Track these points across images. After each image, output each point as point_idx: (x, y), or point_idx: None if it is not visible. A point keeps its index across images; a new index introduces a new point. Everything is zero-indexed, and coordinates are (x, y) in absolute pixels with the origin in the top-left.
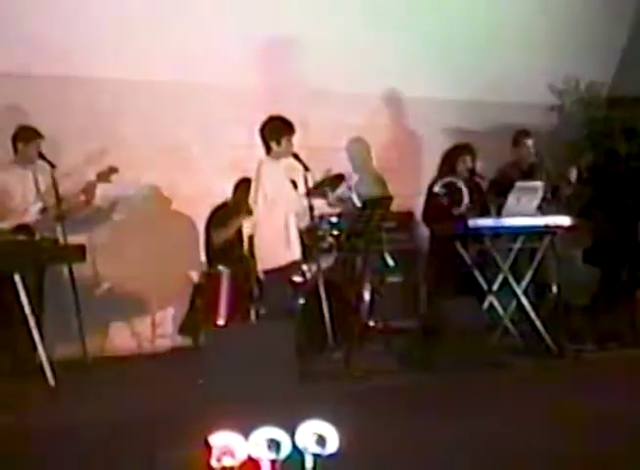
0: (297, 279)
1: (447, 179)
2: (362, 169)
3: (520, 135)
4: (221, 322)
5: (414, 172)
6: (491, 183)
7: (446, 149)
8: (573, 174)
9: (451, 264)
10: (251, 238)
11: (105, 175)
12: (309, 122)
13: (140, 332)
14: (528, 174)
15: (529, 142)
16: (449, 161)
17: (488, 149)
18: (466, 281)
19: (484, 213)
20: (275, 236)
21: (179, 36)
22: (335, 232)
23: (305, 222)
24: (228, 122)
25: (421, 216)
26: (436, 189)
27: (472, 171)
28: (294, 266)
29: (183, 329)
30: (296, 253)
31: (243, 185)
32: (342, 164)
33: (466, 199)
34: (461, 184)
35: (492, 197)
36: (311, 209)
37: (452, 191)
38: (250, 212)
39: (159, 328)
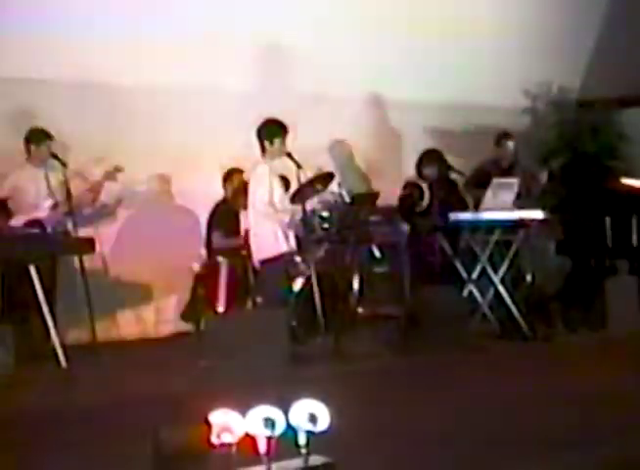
0: (291, 270)
1: (411, 181)
2: (346, 168)
3: (501, 137)
4: (221, 309)
5: (397, 170)
6: (470, 178)
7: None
8: (544, 177)
9: (431, 255)
10: (247, 232)
11: (111, 174)
12: (302, 124)
13: (145, 318)
14: (507, 172)
15: (510, 144)
16: (418, 166)
17: (466, 148)
18: (447, 271)
19: (460, 207)
20: (268, 229)
21: (185, 45)
22: (325, 226)
23: (298, 217)
24: (229, 124)
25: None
26: (401, 191)
27: (448, 168)
28: (286, 257)
29: (185, 315)
30: (287, 245)
31: (234, 176)
32: (331, 163)
33: (426, 198)
34: (423, 185)
35: (471, 190)
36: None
37: (416, 191)
38: (245, 207)
39: (162, 314)
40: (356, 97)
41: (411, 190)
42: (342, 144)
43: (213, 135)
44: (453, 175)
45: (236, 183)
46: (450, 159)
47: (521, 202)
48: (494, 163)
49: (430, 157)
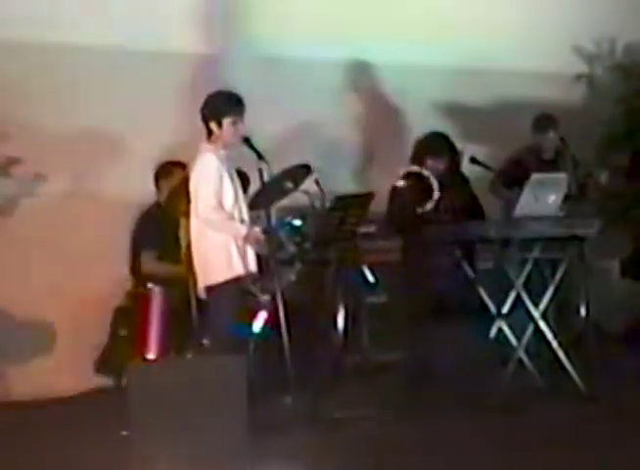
0: (250, 301)
1: (411, 169)
2: (327, 159)
3: (541, 122)
4: (151, 356)
5: (397, 162)
6: (500, 173)
7: (417, 138)
8: (604, 177)
9: (444, 280)
10: (188, 247)
11: (2, 168)
12: (265, 98)
13: (45, 371)
14: (550, 164)
15: (551, 135)
16: (419, 155)
17: (497, 128)
18: (467, 301)
19: (474, 212)
20: (218, 244)
21: None
22: (298, 239)
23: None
24: (167, 99)
25: (385, 219)
26: (398, 183)
27: (473, 161)
28: (243, 284)
29: (101, 366)
30: (246, 265)
31: (172, 171)
32: (303, 150)
33: (436, 193)
34: (428, 174)
35: (501, 189)
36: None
37: (418, 183)
38: (187, 216)
39: (68, 365)
40: (341, 62)
41: (411, 182)
42: (322, 126)
43: (145, 115)
44: (463, 168)
45: (175, 181)
46: (470, 147)
47: (571, 206)
48: (533, 150)
49: (434, 145)
